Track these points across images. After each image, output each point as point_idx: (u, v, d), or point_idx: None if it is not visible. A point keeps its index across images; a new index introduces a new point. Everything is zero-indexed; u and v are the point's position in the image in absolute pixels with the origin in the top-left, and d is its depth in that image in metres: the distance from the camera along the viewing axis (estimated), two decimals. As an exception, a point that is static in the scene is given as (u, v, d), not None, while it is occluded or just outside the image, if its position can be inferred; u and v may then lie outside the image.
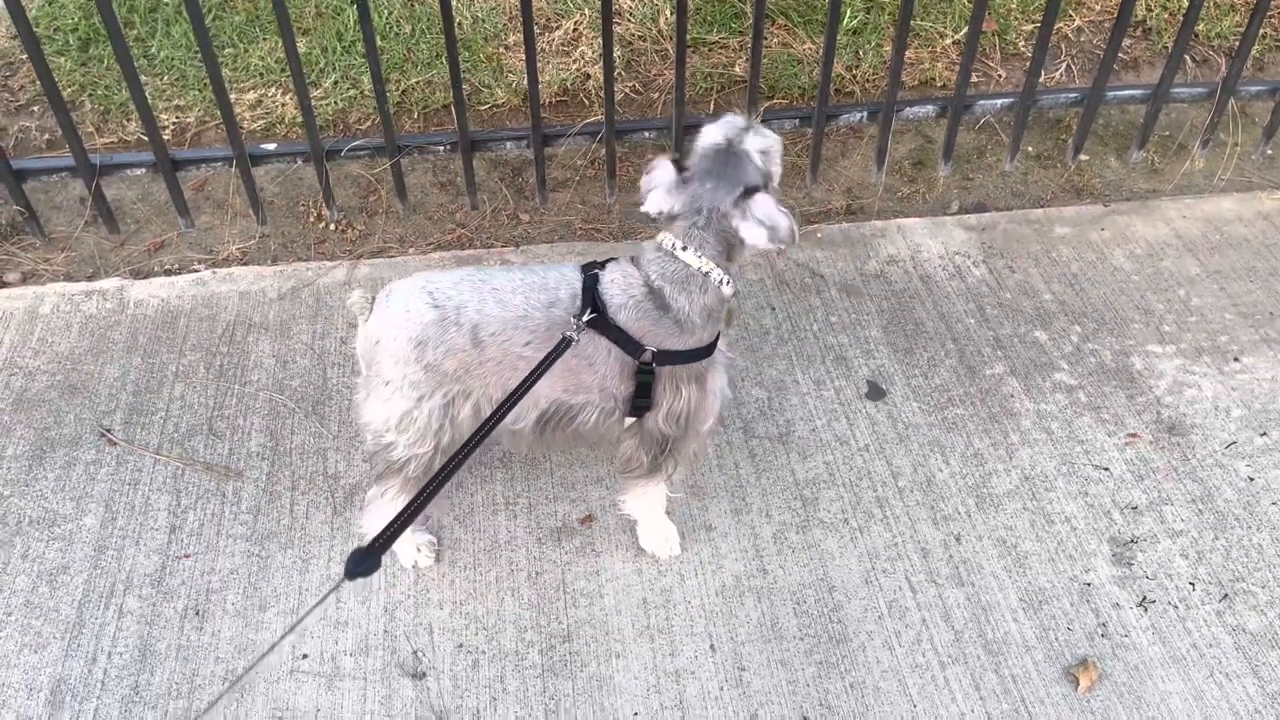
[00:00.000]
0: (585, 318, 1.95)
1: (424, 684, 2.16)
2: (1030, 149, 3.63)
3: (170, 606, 2.28)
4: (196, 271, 3.14)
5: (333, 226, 3.33)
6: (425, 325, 1.97)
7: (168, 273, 3.15)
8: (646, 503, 2.29)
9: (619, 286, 2.00)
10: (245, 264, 3.18)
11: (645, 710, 2.11)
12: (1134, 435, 2.63)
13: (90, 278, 3.13)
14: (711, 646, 2.22)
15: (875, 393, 2.75)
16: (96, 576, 2.33)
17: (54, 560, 2.36)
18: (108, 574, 2.34)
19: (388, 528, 1.59)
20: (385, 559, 2.28)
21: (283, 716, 2.10)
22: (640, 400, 2.05)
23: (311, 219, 3.36)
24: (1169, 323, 2.94)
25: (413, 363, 1.99)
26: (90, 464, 2.56)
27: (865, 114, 3.32)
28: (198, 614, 2.27)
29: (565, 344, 1.91)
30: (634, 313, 1.98)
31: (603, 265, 2.04)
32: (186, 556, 2.37)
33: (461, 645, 2.22)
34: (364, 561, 1.56)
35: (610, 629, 2.25)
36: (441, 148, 3.18)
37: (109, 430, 2.64)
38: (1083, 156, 3.59)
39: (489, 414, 1.86)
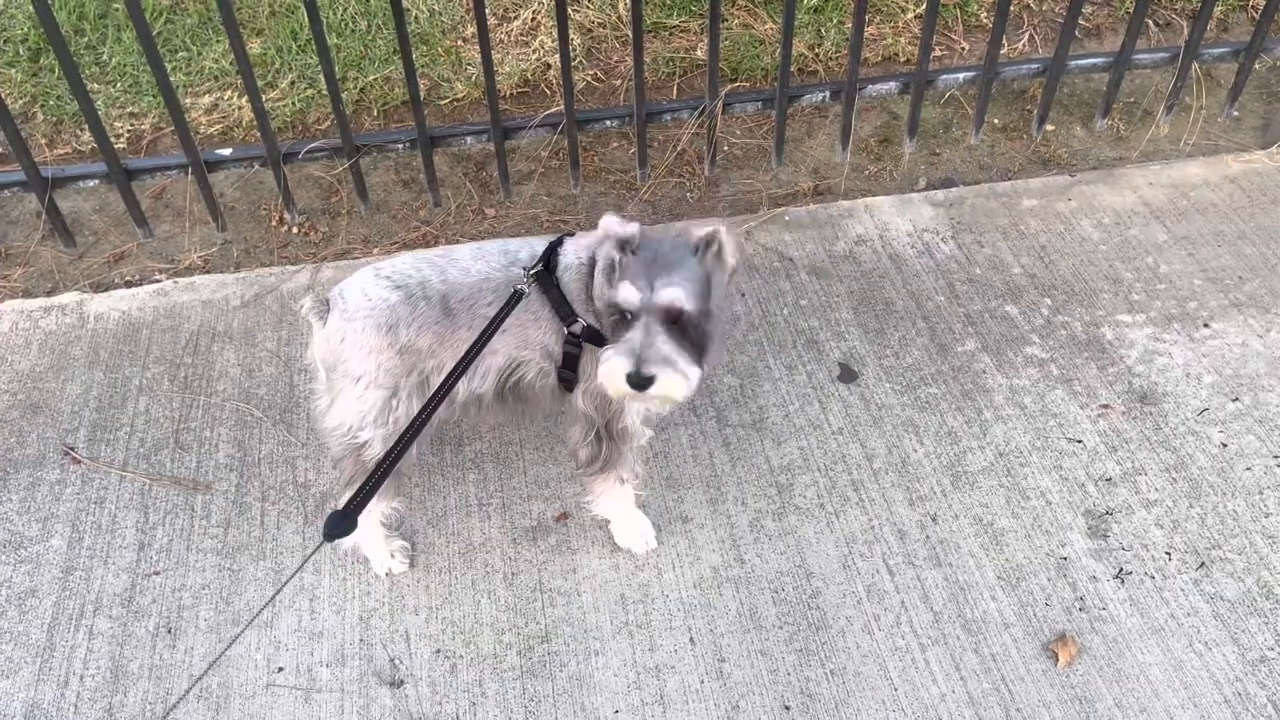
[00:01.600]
0: (533, 270, 1.96)
1: (402, 692, 2.14)
2: (995, 121, 3.62)
3: (141, 625, 2.25)
4: (158, 281, 3.09)
5: (295, 230, 3.29)
6: (393, 308, 1.96)
7: (128, 284, 3.10)
8: (611, 501, 2.27)
9: (572, 248, 2.01)
10: (207, 272, 3.13)
11: (626, 707, 2.09)
12: (1106, 406, 2.62)
13: (49, 293, 3.07)
14: (691, 639, 2.21)
15: (847, 375, 2.74)
16: (65, 598, 2.30)
17: (21, 584, 2.33)
18: (77, 595, 2.30)
19: (361, 488, 1.62)
20: (360, 566, 2.27)
21: (259, 732, 2.08)
22: (565, 372, 2.05)
23: (273, 223, 3.31)
24: (1138, 291, 2.93)
25: (386, 349, 1.97)
26: (55, 484, 2.52)
27: (828, 93, 3.29)
28: (170, 631, 2.24)
29: (516, 297, 1.92)
30: (574, 274, 1.98)
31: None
32: (156, 573, 2.34)
33: (439, 650, 2.20)
34: (340, 524, 1.59)
35: (589, 627, 2.23)
36: (401, 145, 3.13)
37: (73, 448, 2.60)
38: (1048, 127, 3.57)
39: (451, 368, 1.87)
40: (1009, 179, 3.39)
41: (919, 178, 3.43)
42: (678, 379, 1.79)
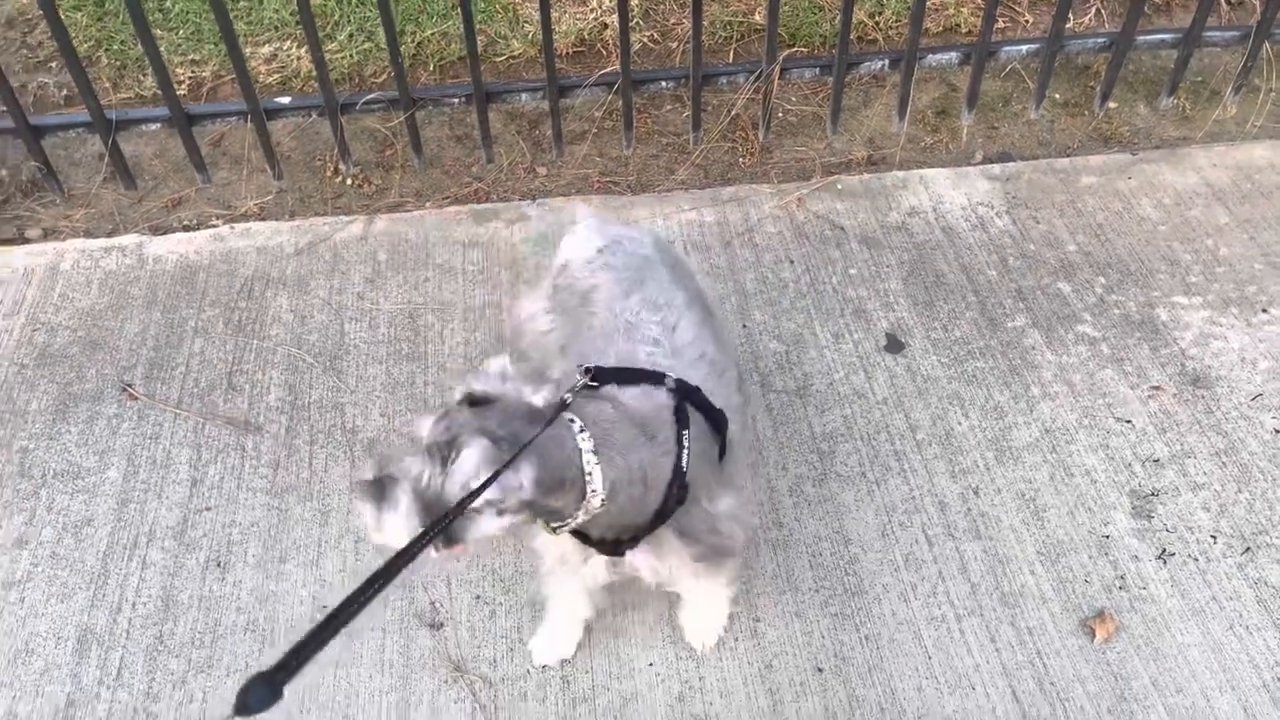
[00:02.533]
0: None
1: (441, 634, 2.18)
2: (1057, 96, 3.55)
3: (192, 558, 2.31)
4: (214, 227, 3.15)
5: (349, 181, 3.32)
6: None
7: (186, 228, 3.16)
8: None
9: None
10: (263, 219, 3.18)
11: (660, 660, 2.12)
12: (1157, 388, 2.59)
13: (110, 234, 3.14)
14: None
15: (894, 346, 2.72)
16: (120, 528, 2.37)
17: (78, 512, 2.40)
18: (131, 526, 2.37)
19: (294, 649, 1.11)
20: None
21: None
22: None
23: (328, 174, 3.35)
24: (1196, 273, 2.88)
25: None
26: (112, 418, 2.59)
27: (887, 62, 3.24)
28: (219, 565, 2.30)
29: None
30: None
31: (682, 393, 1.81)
32: (207, 509, 2.40)
33: (479, 597, 2.24)
34: (263, 691, 1.07)
35: (627, 603, 2.22)
36: (456, 100, 3.14)
37: (130, 385, 2.67)
38: (1111, 104, 3.50)
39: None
40: (1068, 155, 3.33)
41: (975, 151, 3.38)
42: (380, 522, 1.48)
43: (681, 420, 1.72)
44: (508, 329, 2.69)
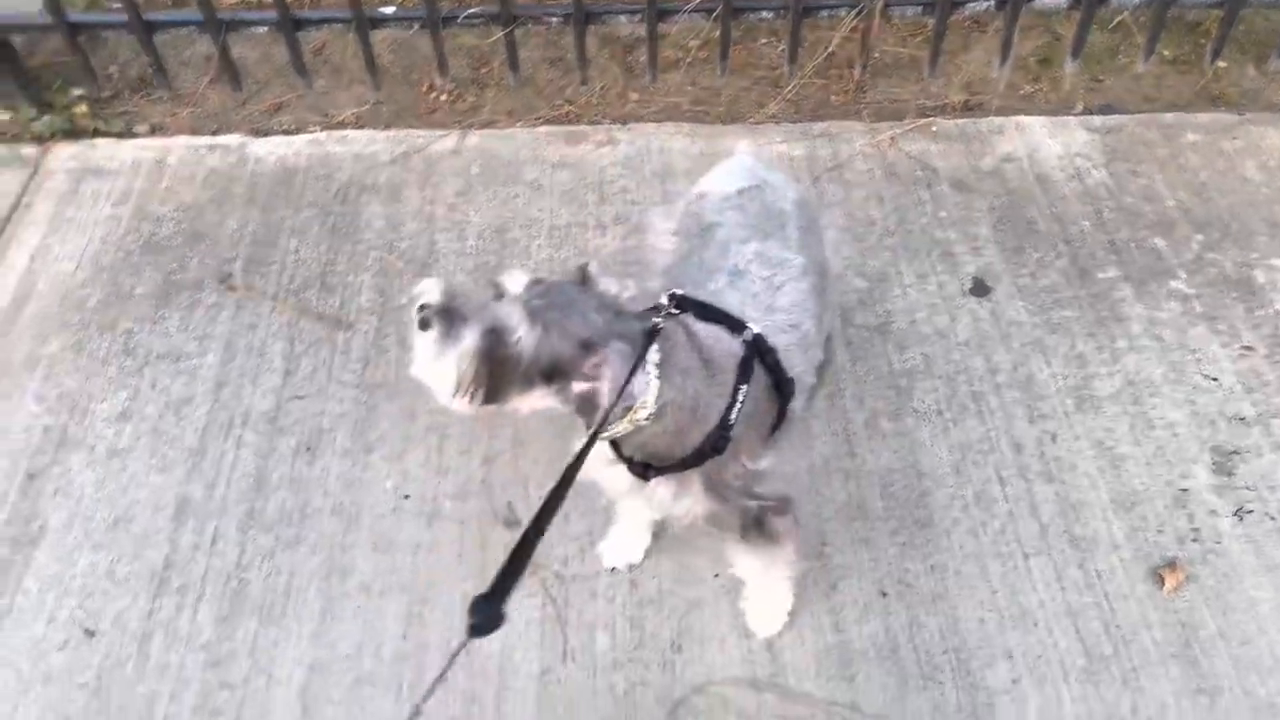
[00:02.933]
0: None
1: (517, 532, 2.24)
2: (1165, 52, 3.45)
3: (284, 442, 2.41)
4: (313, 132, 3.22)
5: (444, 96, 3.37)
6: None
7: (285, 132, 3.24)
8: None
9: None
10: (359, 128, 3.25)
11: (726, 574, 2.17)
12: (1249, 348, 2.54)
13: (214, 133, 3.23)
14: (795, 521, 2.25)
15: (980, 289, 2.71)
16: (217, 409, 2.47)
17: (179, 392, 2.51)
18: (227, 408, 2.48)
19: (504, 570, 1.42)
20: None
21: (385, 547, 2.22)
22: None
23: (423, 89, 3.40)
24: (1298, 238, 2.81)
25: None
26: (211, 307, 2.70)
27: (992, 4, 3.18)
28: (308, 450, 2.40)
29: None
30: None
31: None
32: (299, 398, 2.50)
33: (554, 499, 2.30)
34: (488, 612, 1.37)
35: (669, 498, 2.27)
36: (555, 19, 3.16)
37: (230, 276, 2.77)
38: (1220, 63, 3.40)
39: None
40: (1173, 112, 3.25)
41: (1076, 102, 3.31)
42: (427, 354, 1.52)
43: (745, 373, 1.71)
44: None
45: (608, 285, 1.62)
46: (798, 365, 1.82)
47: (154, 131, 3.25)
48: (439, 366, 1.51)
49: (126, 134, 3.24)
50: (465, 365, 1.49)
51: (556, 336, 1.50)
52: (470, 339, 1.49)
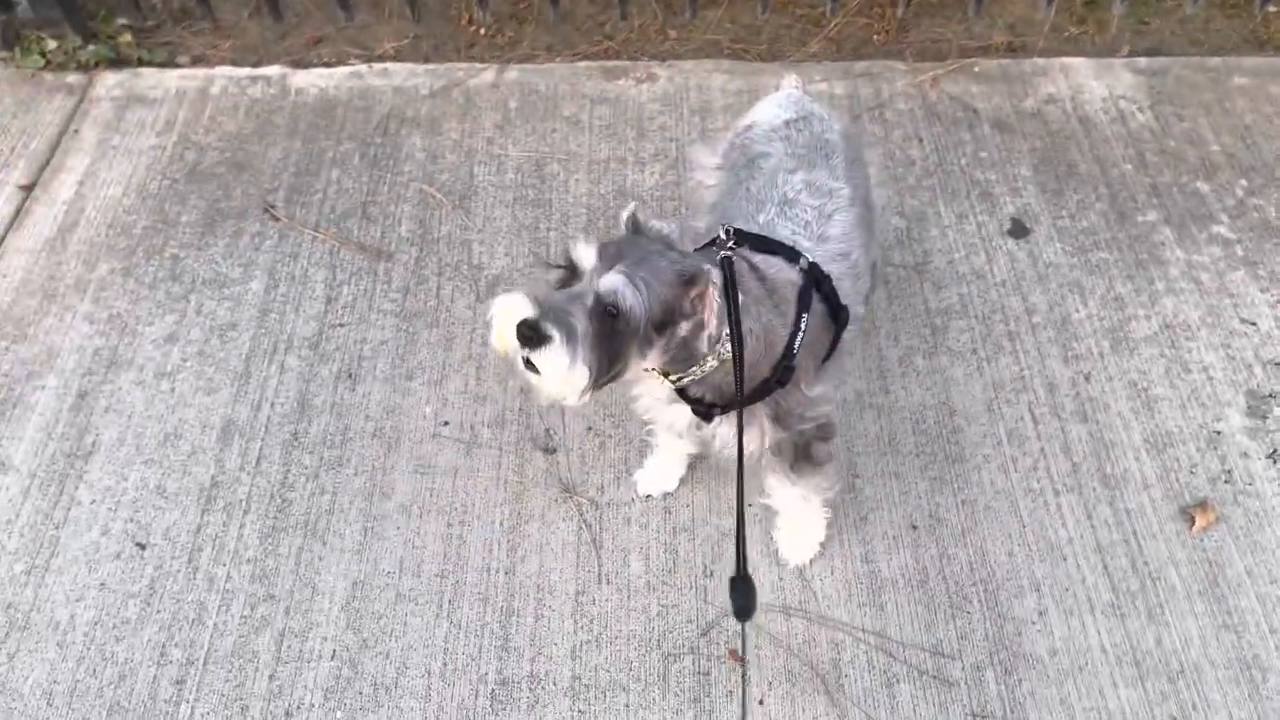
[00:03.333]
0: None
1: (554, 458, 2.30)
2: (1216, -6, 3.39)
3: (326, 368, 2.47)
4: (353, 65, 3.24)
5: (483, 31, 3.36)
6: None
7: (326, 65, 3.26)
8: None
9: None
10: (399, 61, 3.26)
11: (759, 505, 2.20)
12: (1289, 293, 2.53)
13: (255, 65, 3.25)
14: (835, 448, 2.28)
15: (1019, 230, 2.70)
16: (261, 335, 2.53)
17: (224, 317, 2.57)
18: (271, 334, 2.53)
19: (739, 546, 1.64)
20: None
21: (425, 470, 2.28)
22: None
23: (463, 23, 3.39)
24: (1345, 184, 2.77)
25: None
26: (255, 235, 2.74)
27: (1041, -58, 3.13)
28: (350, 376, 2.45)
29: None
30: None
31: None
32: (341, 325, 2.54)
33: (591, 429, 2.35)
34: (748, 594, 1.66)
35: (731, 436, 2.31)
36: (596, -47, 3.14)
37: (273, 206, 2.80)
38: (1270, 7, 3.32)
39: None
40: (1220, 56, 3.19)
41: (1122, 45, 3.26)
42: (561, 364, 1.46)
43: (805, 302, 1.73)
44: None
45: (660, 227, 1.64)
46: (848, 294, 1.84)
47: (196, 62, 3.27)
48: (575, 371, 1.47)
49: (169, 64, 3.26)
50: (592, 354, 1.48)
51: (658, 285, 1.52)
52: (584, 328, 1.47)
